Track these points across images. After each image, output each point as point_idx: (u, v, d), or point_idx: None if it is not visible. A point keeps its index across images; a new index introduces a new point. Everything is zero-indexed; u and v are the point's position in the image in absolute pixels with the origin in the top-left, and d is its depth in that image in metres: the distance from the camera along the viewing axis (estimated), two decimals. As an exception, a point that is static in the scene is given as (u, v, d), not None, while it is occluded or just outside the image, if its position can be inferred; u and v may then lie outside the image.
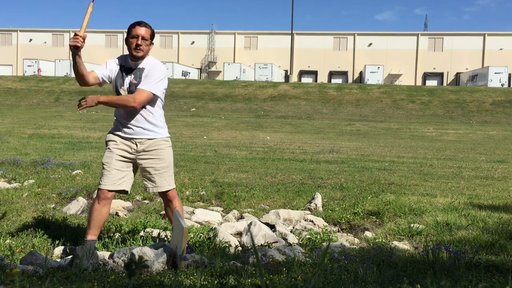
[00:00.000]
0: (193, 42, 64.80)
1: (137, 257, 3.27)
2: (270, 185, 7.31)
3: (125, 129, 4.02)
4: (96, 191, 4.19)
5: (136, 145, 4.03)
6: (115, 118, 4.14)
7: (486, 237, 4.61)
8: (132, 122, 4.00)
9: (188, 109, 32.94)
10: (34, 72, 52.84)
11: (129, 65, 4.03)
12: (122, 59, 4.10)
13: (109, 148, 4.05)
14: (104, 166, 4.04)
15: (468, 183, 7.86)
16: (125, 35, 4.10)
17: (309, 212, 5.82)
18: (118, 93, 4.04)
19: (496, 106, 34.00)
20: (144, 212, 5.74)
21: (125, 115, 4.02)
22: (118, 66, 4.06)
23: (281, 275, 3.11)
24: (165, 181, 4.11)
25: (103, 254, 3.69)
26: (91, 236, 3.99)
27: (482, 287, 2.46)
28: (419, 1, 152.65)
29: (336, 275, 3.16)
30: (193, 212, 5.69)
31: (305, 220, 5.44)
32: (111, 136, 4.09)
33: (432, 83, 58.38)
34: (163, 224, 5.13)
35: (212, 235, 4.57)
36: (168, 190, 4.14)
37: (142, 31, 3.93)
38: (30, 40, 66.99)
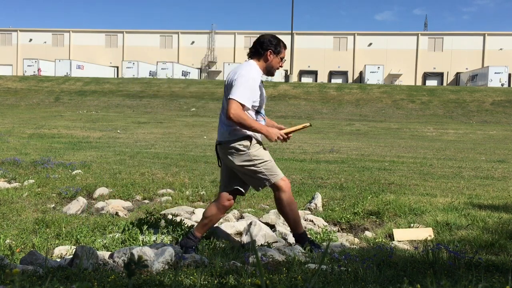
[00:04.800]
0: (193, 42, 64.80)
1: (137, 257, 3.27)
2: (270, 185, 7.30)
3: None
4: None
5: None
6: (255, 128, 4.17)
7: (486, 237, 4.60)
8: None
9: (188, 109, 32.92)
10: (34, 72, 52.85)
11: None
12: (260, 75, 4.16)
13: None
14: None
15: (468, 183, 7.85)
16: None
17: (309, 212, 5.82)
18: (259, 111, 4.19)
19: (496, 106, 34.01)
20: (144, 212, 5.73)
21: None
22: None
23: (281, 275, 3.11)
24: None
25: (103, 254, 3.69)
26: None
27: (482, 287, 2.46)
28: (418, 2, 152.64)
29: (336, 275, 3.16)
30: (193, 212, 5.69)
31: (305, 220, 5.43)
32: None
33: (432, 83, 58.40)
34: (163, 224, 5.12)
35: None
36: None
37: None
38: (30, 40, 66.99)
